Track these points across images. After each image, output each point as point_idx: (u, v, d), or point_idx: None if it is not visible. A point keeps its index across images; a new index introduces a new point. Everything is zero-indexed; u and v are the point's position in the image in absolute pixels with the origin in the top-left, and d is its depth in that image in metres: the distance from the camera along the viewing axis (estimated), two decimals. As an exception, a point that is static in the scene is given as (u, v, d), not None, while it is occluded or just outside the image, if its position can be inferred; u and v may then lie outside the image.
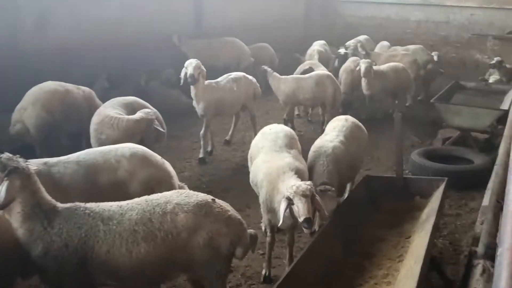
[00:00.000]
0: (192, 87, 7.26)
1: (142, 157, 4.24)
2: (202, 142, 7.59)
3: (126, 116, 5.92)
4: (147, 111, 5.99)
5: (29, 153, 5.92)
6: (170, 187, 4.26)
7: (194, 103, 7.46)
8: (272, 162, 4.64)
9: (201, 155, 7.60)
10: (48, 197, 3.47)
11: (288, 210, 4.08)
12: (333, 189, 4.72)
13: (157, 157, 4.40)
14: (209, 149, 7.86)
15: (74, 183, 4.04)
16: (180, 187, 4.43)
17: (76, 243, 3.32)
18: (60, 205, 3.46)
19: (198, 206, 3.48)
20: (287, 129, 5.29)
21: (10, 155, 3.38)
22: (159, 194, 3.61)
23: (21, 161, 3.41)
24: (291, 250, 4.78)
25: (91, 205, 3.50)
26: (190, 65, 7.12)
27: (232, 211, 3.69)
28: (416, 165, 6.82)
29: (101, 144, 5.42)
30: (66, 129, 6.94)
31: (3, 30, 8.24)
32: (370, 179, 5.51)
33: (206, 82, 7.41)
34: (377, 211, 5.22)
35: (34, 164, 4.02)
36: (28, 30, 8.69)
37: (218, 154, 7.96)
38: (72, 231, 3.33)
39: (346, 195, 5.66)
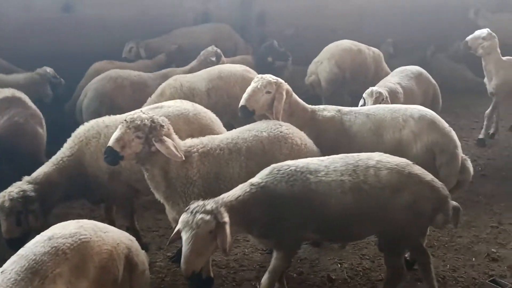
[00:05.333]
0: (483, 61, 6.72)
1: (430, 121, 4.22)
2: (485, 123, 7.05)
3: None
4: None
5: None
6: (453, 156, 4.15)
7: (486, 79, 6.90)
8: None
9: (480, 136, 7.08)
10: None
11: None
12: None
13: (445, 124, 4.31)
14: (491, 131, 7.24)
15: (361, 133, 4.32)
16: (463, 160, 4.27)
17: (292, 199, 3.33)
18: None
19: (401, 165, 3.37)
20: None
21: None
22: (358, 154, 3.55)
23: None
24: None
25: (293, 162, 3.48)
26: (473, 34, 6.66)
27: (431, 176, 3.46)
28: None
29: None
30: (351, 86, 7.35)
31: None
32: None
33: (505, 58, 6.76)
34: None
35: (330, 110, 4.52)
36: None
37: (501, 140, 7.27)
38: (287, 189, 3.33)
39: None
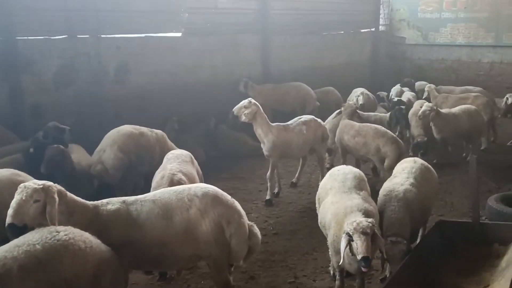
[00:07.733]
0: (254, 127, 7.39)
1: (213, 196, 4.35)
2: (268, 184, 7.65)
3: None
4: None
5: (106, 192, 6.33)
6: (240, 225, 4.32)
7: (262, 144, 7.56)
8: (340, 203, 4.62)
9: (267, 197, 7.64)
10: None
11: (348, 248, 4.03)
12: (404, 241, 4.64)
13: (227, 196, 4.49)
14: (275, 191, 7.90)
15: (150, 220, 4.20)
16: (250, 226, 4.48)
17: None
18: None
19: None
20: (355, 170, 5.25)
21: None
22: None
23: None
24: (361, 296, 4.63)
25: None
26: (238, 104, 7.32)
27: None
28: (494, 211, 6.43)
29: None
30: (139, 169, 7.25)
31: (89, 78, 9.07)
32: (445, 224, 5.29)
33: (274, 124, 7.54)
34: (452, 258, 4.97)
35: (114, 203, 4.30)
36: (110, 79, 9.47)
37: (285, 196, 7.97)
38: None
39: (418, 240, 5.45)
